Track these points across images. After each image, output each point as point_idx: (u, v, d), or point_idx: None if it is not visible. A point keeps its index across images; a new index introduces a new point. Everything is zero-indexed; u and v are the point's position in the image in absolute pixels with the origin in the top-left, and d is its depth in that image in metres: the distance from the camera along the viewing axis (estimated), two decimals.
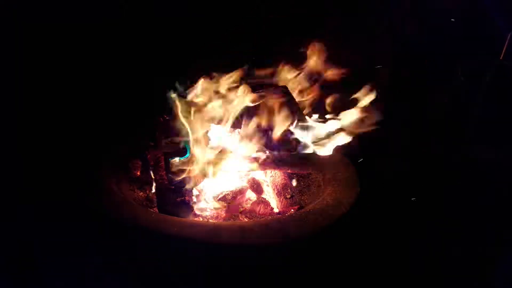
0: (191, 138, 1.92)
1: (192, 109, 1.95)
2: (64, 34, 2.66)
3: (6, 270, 1.88)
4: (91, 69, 2.77)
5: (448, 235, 2.28)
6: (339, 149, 2.09)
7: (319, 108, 2.23)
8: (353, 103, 2.11)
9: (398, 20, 3.11)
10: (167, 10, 2.85)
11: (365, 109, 2.06)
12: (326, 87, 2.25)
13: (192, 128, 1.93)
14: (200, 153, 1.93)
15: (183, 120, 1.94)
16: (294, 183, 2.19)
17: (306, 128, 2.04)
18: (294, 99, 2.11)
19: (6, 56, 2.53)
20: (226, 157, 2.01)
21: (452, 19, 2.98)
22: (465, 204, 2.53)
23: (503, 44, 2.97)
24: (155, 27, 2.87)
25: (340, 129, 2.03)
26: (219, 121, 2.03)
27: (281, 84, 2.19)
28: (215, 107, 2.00)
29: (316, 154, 2.07)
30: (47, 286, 1.81)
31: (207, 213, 1.94)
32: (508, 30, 2.94)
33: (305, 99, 2.25)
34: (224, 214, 1.95)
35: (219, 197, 1.97)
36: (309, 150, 2.05)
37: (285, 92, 2.09)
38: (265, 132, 2.06)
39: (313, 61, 2.22)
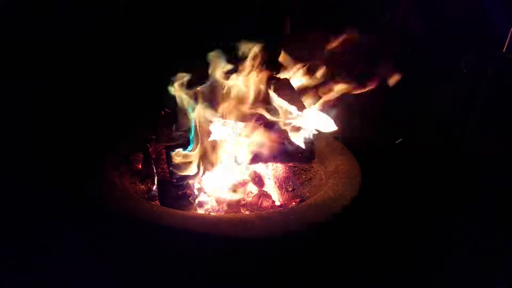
0: (193, 130, 1.92)
1: (195, 101, 1.94)
2: (65, 34, 2.68)
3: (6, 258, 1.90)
4: (93, 66, 2.79)
5: (449, 231, 2.28)
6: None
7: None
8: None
9: (400, 14, 3.09)
10: (164, 8, 2.87)
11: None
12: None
13: (195, 120, 1.93)
14: (202, 146, 1.93)
15: (186, 112, 1.94)
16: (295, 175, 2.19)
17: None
18: (296, 92, 2.10)
19: (11, 57, 2.56)
20: (228, 150, 2.01)
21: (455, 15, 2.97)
22: (465, 199, 2.52)
23: (506, 37, 2.96)
24: (153, 23, 2.88)
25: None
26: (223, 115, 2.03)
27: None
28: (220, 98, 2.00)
29: (318, 147, 2.07)
30: (47, 273, 1.82)
31: (208, 206, 1.94)
32: (510, 23, 2.92)
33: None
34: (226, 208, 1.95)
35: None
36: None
37: (287, 84, 2.08)
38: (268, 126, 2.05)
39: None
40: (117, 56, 2.85)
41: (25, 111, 2.62)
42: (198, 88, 1.98)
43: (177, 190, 1.87)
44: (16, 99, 2.61)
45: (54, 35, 2.67)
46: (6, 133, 2.52)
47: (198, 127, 1.92)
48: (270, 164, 2.16)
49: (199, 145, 1.92)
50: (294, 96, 2.06)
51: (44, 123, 2.66)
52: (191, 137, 1.95)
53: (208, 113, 1.97)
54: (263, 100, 2.02)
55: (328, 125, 1.98)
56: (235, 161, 2.01)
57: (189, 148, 1.95)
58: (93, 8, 2.77)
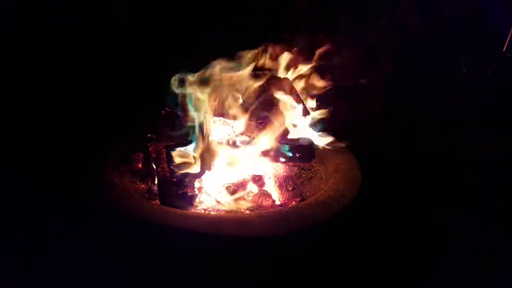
0: (197, 129, 1.92)
1: (197, 100, 1.94)
2: (65, 34, 2.69)
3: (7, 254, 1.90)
4: (93, 66, 2.79)
5: (449, 231, 2.28)
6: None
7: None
8: None
9: (400, 14, 3.09)
10: (164, 8, 2.87)
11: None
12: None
13: (197, 119, 1.93)
14: (203, 145, 1.93)
15: (188, 111, 1.94)
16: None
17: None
18: (297, 91, 2.10)
19: (11, 57, 2.56)
20: (229, 150, 2.01)
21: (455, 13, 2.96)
22: (465, 199, 2.52)
23: (506, 37, 2.95)
24: (153, 23, 2.88)
25: None
26: (224, 114, 2.03)
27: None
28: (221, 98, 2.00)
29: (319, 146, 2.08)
30: (47, 273, 1.81)
31: (208, 205, 1.94)
32: (510, 23, 2.92)
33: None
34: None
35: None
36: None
37: (287, 84, 2.08)
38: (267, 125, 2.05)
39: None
40: (117, 56, 2.85)
41: (25, 111, 2.61)
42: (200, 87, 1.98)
43: (177, 190, 1.87)
44: (16, 99, 2.60)
45: (54, 35, 2.67)
46: (6, 133, 2.52)
47: (199, 127, 1.92)
48: (270, 163, 2.16)
49: (199, 145, 1.92)
50: (295, 97, 2.07)
51: (44, 123, 2.66)
52: (193, 137, 1.95)
53: (210, 113, 1.98)
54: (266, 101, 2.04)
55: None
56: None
57: (190, 147, 1.95)
58: (93, 8, 2.77)
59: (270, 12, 3.02)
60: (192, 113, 1.94)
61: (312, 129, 2.12)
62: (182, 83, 1.97)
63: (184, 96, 1.95)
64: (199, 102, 1.94)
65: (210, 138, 1.96)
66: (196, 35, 2.87)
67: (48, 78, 2.68)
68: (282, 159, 2.06)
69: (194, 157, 1.91)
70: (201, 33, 2.83)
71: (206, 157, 1.93)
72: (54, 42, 2.69)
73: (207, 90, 1.96)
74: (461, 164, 2.86)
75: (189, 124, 1.96)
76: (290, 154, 2.03)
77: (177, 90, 1.96)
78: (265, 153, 2.03)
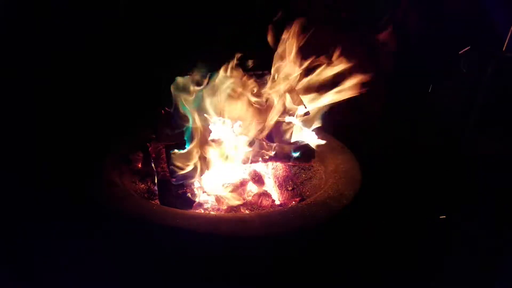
0: (191, 130, 1.92)
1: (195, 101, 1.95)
2: (65, 35, 2.69)
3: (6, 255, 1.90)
4: (93, 66, 2.79)
5: (449, 231, 2.28)
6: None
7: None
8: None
9: (400, 14, 3.09)
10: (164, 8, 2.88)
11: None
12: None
13: (193, 119, 1.93)
14: (201, 145, 1.93)
15: (185, 111, 1.94)
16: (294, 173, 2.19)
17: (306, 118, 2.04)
18: (296, 91, 2.10)
19: (12, 57, 2.56)
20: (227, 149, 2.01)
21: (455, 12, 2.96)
22: (465, 199, 2.52)
23: (506, 37, 2.95)
24: (153, 23, 2.88)
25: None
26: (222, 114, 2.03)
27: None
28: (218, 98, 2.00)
29: (318, 146, 2.07)
30: (47, 273, 1.81)
31: (208, 205, 1.94)
32: (510, 23, 2.92)
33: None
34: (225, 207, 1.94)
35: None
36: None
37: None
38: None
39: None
40: (117, 56, 2.86)
41: (25, 111, 2.62)
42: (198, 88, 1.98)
43: (177, 189, 1.87)
44: (16, 99, 2.61)
45: (54, 35, 2.67)
46: (6, 133, 2.52)
47: (196, 127, 1.92)
48: (270, 163, 2.16)
49: (199, 145, 1.92)
50: (295, 96, 2.07)
51: (44, 123, 2.66)
52: (188, 137, 1.95)
53: (208, 112, 1.98)
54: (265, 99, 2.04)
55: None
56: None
57: (187, 147, 1.95)
58: (93, 8, 2.77)
59: (270, 12, 3.02)
60: (188, 113, 1.94)
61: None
62: (181, 83, 1.97)
63: (181, 97, 1.95)
64: (197, 103, 1.94)
65: (209, 138, 1.97)
66: (196, 35, 2.88)
67: (48, 78, 2.69)
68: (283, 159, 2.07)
69: (193, 157, 1.91)
70: (201, 33, 2.84)
71: (205, 157, 1.93)
72: (54, 42, 2.69)
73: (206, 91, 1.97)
74: (461, 164, 2.86)
75: (186, 124, 1.96)
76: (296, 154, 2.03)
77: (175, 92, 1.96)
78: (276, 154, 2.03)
